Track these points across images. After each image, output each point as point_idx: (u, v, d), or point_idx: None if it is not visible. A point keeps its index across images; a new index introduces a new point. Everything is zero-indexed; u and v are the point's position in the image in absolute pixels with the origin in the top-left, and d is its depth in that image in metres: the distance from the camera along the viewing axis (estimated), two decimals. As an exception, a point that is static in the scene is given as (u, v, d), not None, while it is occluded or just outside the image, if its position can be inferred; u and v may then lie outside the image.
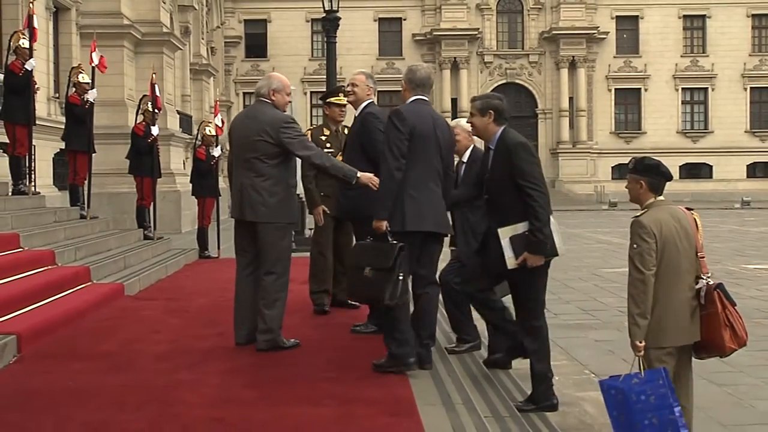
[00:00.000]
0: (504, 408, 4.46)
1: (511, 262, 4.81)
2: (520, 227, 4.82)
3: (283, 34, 41.92)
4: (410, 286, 5.04)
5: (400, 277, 4.70)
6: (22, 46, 10.23)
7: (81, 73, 11.02)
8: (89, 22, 18.28)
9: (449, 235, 5.52)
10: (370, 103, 5.99)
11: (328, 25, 13.88)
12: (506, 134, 4.99)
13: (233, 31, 40.99)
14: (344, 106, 7.06)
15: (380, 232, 4.82)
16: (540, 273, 4.90)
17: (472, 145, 5.92)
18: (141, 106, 11.96)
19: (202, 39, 29.13)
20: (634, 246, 3.99)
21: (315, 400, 4.36)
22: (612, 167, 41.25)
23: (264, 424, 3.96)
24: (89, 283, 7.56)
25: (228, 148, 6.53)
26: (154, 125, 11.64)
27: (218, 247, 12.07)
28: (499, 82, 42.45)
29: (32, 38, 10.36)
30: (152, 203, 11.73)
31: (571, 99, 41.94)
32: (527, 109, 42.88)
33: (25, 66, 10.09)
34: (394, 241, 4.77)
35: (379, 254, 4.76)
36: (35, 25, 10.52)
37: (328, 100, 7.24)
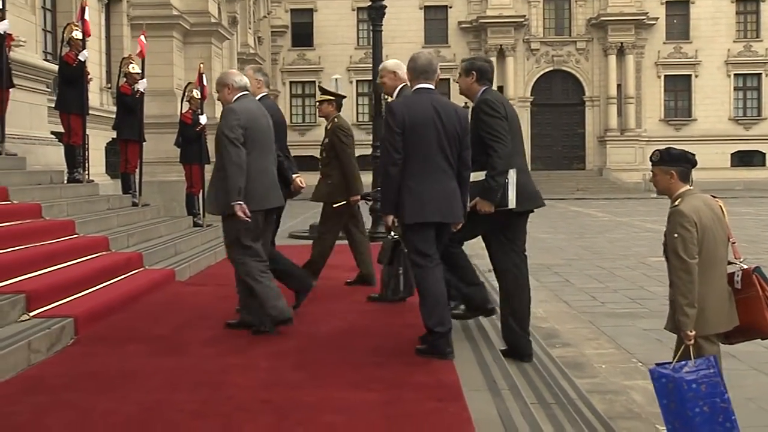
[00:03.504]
0: (550, 395, 4.47)
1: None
2: (480, 175, 5.16)
3: (329, 23, 42.04)
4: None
5: (400, 272, 4.74)
6: (75, 37, 10.47)
7: (131, 63, 11.23)
8: (139, 13, 18.61)
9: None
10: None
11: (374, 14, 13.84)
12: (483, 94, 5.34)
13: (280, 20, 41.26)
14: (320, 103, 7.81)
15: (387, 226, 4.92)
16: (481, 221, 5.17)
17: (400, 86, 5.99)
18: (186, 94, 12.03)
19: (249, 29, 29.40)
20: (675, 235, 3.98)
21: (362, 383, 4.42)
22: (662, 155, 40.58)
23: (311, 406, 4.03)
24: (141, 269, 7.74)
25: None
26: (202, 114, 11.81)
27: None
28: (546, 70, 42.07)
29: (85, 30, 10.59)
30: (201, 191, 11.88)
31: (619, 86, 41.34)
32: (574, 97, 42.41)
33: (79, 57, 10.34)
34: (390, 236, 4.84)
35: (384, 249, 4.87)
36: (87, 17, 10.75)
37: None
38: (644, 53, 41.94)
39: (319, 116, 8.27)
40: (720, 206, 4.16)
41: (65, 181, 10.15)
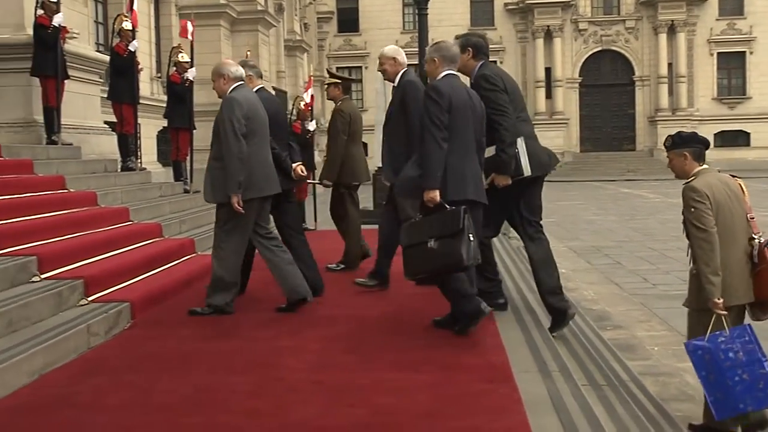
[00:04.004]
0: (601, 376, 4.46)
1: (483, 183, 5.23)
2: (491, 150, 5.30)
3: (375, 7, 41.93)
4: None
5: (471, 238, 4.73)
6: (126, 28, 10.67)
7: (181, 52, 11.39)
8: (187, 2, 18.81)
9: None
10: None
11: (419, -2, 13.80)
12: (480, 69, 5.51)
13: (325, 6, 41.29)
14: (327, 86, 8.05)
15: (435, 202, 4.86)
16: (503, 193, 5.35)
17: (401, 71, 6.18)
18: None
19: (296, 15, 29.51)
20: (691, 209, 4.17)
21: (412, 365, 4.46)
22: (714, 134, 39.60)
23: (363, 388, 4.08)
24: (194, 255, 7.88)
25: (322, 122, 6.84)
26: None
27: (315, 220, 12.29)
28: (594, 50, 41.40)
29: (133, 21, 10.77)
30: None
31: (669, 65, 40.44)
32: (624, 77, 41.67)
33: (129, 47, 10.52)
34: (453, 207, 4.78)
35: (442, 223, 4.79)
36: (136, 8, 10.93)
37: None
38: (696, 30, 40.94)
39: (327, 99, 8.39)
40: (739, 184, 4.33)
41: (119, 170, 10.37)
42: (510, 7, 41.89)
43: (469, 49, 5.55)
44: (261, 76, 6.51)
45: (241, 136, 5.50)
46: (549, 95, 40.83)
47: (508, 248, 9.81)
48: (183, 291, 6.61)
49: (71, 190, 7.99)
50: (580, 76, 41.56)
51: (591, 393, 4.11)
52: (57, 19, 9.38)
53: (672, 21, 40.21)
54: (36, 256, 5.65)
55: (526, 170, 5.38)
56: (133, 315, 5.61)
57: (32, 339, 4.54)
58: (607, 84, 41.61)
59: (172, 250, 7.47)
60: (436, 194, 4.88)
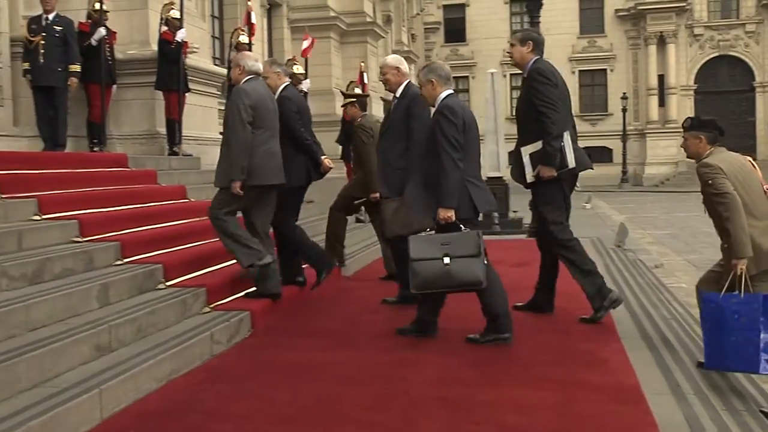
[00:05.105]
0: (738, 401, 4.19)
1: (529, 176, 5.64)
2: (538, 144, 5.57)
3: (482, 17, 41.75)
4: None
5: (485, 261, 4.99)
6: (242, 41, 10.92)
7: (295, 64, 11.59)
8: (298, 16, 19.20)
9: None
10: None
11: (531, 5, 13.61)
12: (535, 63, 5.72)
13: (432, 17, 41.42)
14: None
15: (450, 221, 5.00)
16: (552, 186, 5.62)
17: (404, 82, 6.10)
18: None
19: (403, 26, 29.69)
20: (708, 182, 4.49)
21: (536, 382, 4.33)
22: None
23: (487, 405, 3.98)
24: (306, 265, 7.95)
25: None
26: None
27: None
28: (711, 55, 39.85)
29: (251, 33, 11.03)
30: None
31: (793, 70, 38.49)
32: (743, 83, 39.86)
33: (176, 37, 10.64)
34: (467, 228, 5.00)
35: (458, 243, 4.95)
36: (254, 20, 11.20)
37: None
38: (824, 33, 38.83)
39: (346, 119, 8.41)
40: (750, 161, 4.71)
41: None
42: (621, 13, 40.82)
43: (530, 42, 5.77)
44: (288, 75, 6.81)
45: (247, 124, 5.68)
46: (662, 103, 39.53)
47: (625, 261, 9.49)
48: (300, 301, 6.68)
49: (192, 199, 8.22)
50: (695, 83, 40.05)
51: (730, 419, 3.87)
52: (180, 35, 9.72)
53: (796, 24, 38.27)
54: (161, 264, 5.82)
55: (571, 163, 5.62)
56: (253, 324, 5.69)
57: (160, 345, 4.66)
58: (725, 91, 39.91)
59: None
60: (452, 213, 5.01)
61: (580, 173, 5.89)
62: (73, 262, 5.28)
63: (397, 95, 6.15)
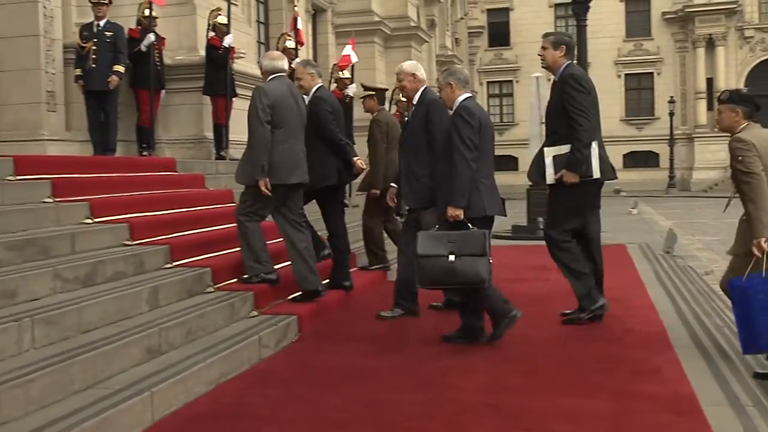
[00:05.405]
0: (800, 413, 4.06)
1: (550, 177, 5.72)
2: (564, 149, 5.64)
3: (526, 21, 41.43)
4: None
5: (491, 260, 5.08)
6: (289, 47, 10.99)
7: (341, 70, 11.63)
8: (343, 21, 19.28)
9: None
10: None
11: (578, 9, 13.43)
12: (568, 68, 5.78)
13: (476, 21, 41.24)
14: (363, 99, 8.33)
15: (457, 220, 5.11)
16: (571, 192, 5.66)
17: (421, 88, 6.06)
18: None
19: (447, 30, 29.63)
20: (739, 158, 4.51)
21: (588, 392, 4.25)
22: None
23: (538, 413, 3.91)
24: (354, 269, 7.96)
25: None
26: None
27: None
28: (762, 58, 39.01)
29: (297, 39, 11.10)
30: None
31: None
32: (795, 87, 38.92)
33: (291, 65, 10.82)
34: (474, 228, 5.09)
35: (464, 242, 5.03)
36: (300, 26, 11.26)
37: None
38: None
39: (364, 111, 8.58)
40: None
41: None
42: (668, 16, 40.18)
43: (563, 46, 5.83)
44: (321, 75, 6.77)
45: (266, 123, 5.70)
46: (710, 107, 38.73)
47: (675, 267, 9.31)
48: (346, 305, 6.68)
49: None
50: (745, 86, 39.20)
51: (792, 432, 3.74)
52: (227, 41, 9.82)
53: None
54: (210, 267, 5.86)
55: (596, 173, 5.69)
56: (300, 328, 5.70)
57: (209, 349, 4.68)
58: (776, 95, 39.02)
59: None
60: (461, 212, 5.12)
61: (607, 181, 5.95)
62: (124, 265, 5.34)
63: (414, 102, 6.12)
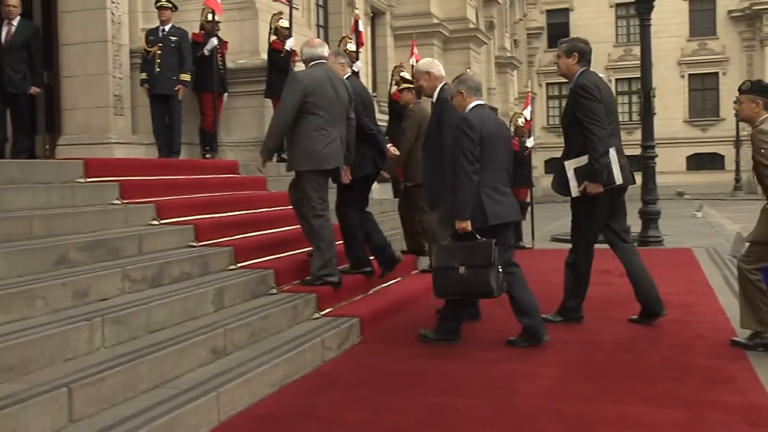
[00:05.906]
0: None
1: (575, 191, 5.67)
2: (583, 159, 5.56)
3: (586, 21, 40.79)
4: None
5: (500, 270, 5.10)
6: (350, 49, 11.02)
7: (403, 71, 11.60)
8: (402, 23, 19.28)
9: None
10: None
11: (642, 8, 13.17)
12: (582, 75, 5.69)
13: (535, 22, 40.80)
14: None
15: (465, 232, 5.14)
16: (596, 202, 5.64)
17: (439, 86, 5.96)
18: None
19: (506, 32, 29.41)
20: (761, 150, 4.61)
21: (659, 400, 4.14)
22: None
23: (607, 422, 3.82)
24: (415, 271, 7.94)
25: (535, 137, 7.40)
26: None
27: (532, 238, 12.01)
28: (833, 57, 37.68)
29: (358, 41, 11.12)
30: None
31: None
32: None
33: (352, 67, 10.85)
34: (484, 239, 5.09)
35: (473, 253, 5.09)
36: (362, 29, 11.29)
37: None
38: None
39: (401, 103, 8.53)
40: None
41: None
42: (735, 14, 39.10)
43: (575, 54, 5.76)
44: (351, 65, 6.82)
45: (288, 110, 5.74)
46: (779, 107, 37.66)
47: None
48: (408, 307, 6.65)
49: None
50: (815, 86, 37.98)
51: None
52: (289, 44, 9.89)
53: None
54: (273, 269, 5.90)
55: (618, 179, 5.65)
56: (362, 330, 5.69)
57: (273, 350, 4.70)
58: None
59: (397, 268, 7.52)
60: (468, 224, 5.14)
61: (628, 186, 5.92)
62: (189, 266, 5.42)
63: (433, 100, 6.04)
